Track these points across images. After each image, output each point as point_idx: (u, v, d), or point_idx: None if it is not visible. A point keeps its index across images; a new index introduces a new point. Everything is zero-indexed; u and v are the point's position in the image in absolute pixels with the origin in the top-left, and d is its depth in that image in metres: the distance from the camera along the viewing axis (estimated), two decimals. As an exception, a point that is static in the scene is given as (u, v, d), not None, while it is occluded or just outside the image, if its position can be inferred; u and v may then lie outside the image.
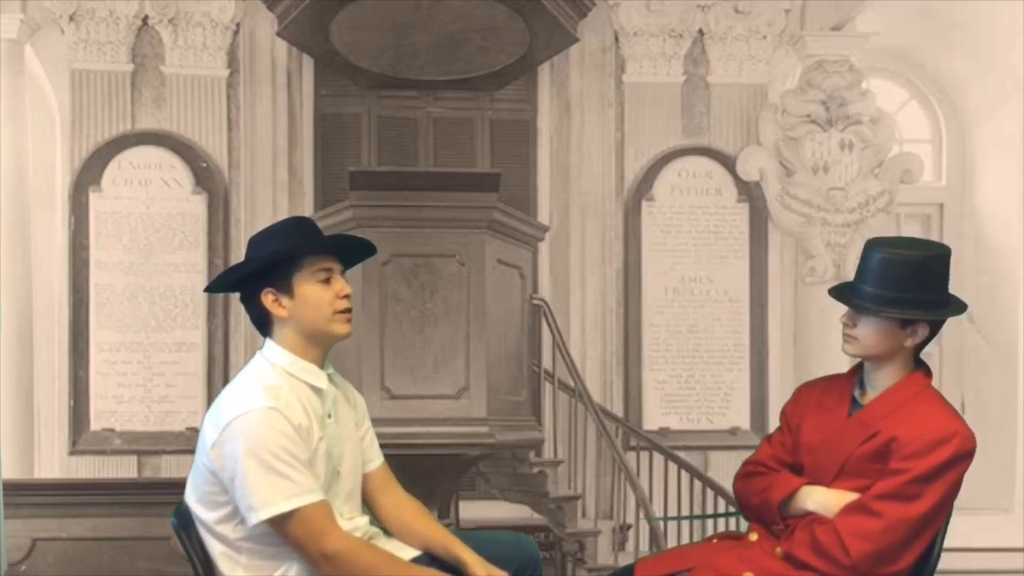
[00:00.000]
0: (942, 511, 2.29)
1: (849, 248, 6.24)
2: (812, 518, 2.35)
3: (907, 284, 2.31)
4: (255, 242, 2.32)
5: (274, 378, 2.22)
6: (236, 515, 2.17)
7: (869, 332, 2.34)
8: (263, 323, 2.30)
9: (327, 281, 2.27)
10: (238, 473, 2.10)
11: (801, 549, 2.31)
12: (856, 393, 2.45)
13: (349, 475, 2.33)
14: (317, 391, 2.27)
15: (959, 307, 2.37)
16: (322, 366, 2.31)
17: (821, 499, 2.37)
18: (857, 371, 2.48)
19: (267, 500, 2.09)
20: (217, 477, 2.16)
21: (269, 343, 2.29)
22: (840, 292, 2.43)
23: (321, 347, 2.31)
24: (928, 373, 2.42)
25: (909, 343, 2.35)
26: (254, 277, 2.26)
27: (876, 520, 2.24)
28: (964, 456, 2.26)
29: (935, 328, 2.37)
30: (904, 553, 2.25)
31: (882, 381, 2.39)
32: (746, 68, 6.41)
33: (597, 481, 5.88)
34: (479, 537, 2.46)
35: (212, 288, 2.38)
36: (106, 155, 6.03)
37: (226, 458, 2.12)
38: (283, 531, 2.13)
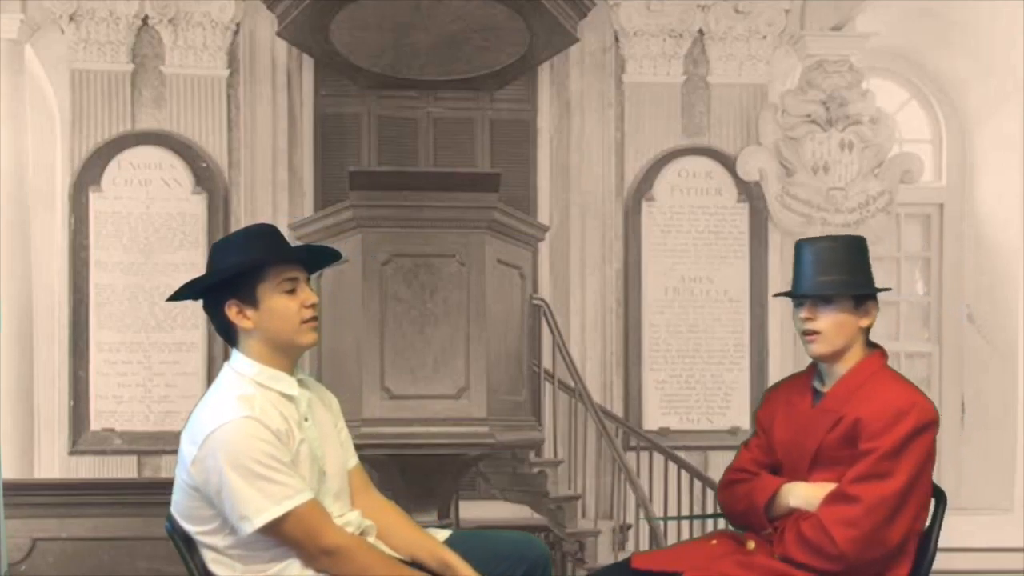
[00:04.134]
0: (918, 484, 2.31)
1: (849, 248, 6.24)
2: (797, 515, 2.37)
3: (846, 266, 2.43)
4: (218, 251, 2.29)
5: (245, 388, 2.20)
6: (224, 527, 2.16)
7: (830, 321, 2.41)
8: (228, 333, 2.27)
9: (292, 291, 2.25)
10: (224, 486, 2.09)
11: (793, 548, 2.33)
12: (816, 384, 2.50)
13: (335, 474, 2.32)
14: (289, 398, 2.25)
15: (882, 286, 2.53)
16: (291, 373, 2.29)
17: (803, 494, 2.39)
18: (816, 364, 2.53)
19: (259, 508, 2.09)
20: (200, 492, 2.15)
21: (236, 354, 2.27)
22: (789, 293, 2.51)
23: (288, 356, 2.29)
24: (884, 354, 2.48)
25: (864, 323, 2.44)
26: (217, 287, 2.24)
27: (856, 505, 2.27)
28: (926, 425, 2.30)
29: (878, 306, 2.49)
30: (889, 532, 2.27)
31: (840, 368, 2.45)
32: (746, 68, 6.42)
33: (597, 481, 5.88)
34: (488, 536, 2.46)
35: (174, 298, 2.31)
36: (106, 155, 6.03)
37: (209, 472, 2.11)
38: (279, 534, 2.12)
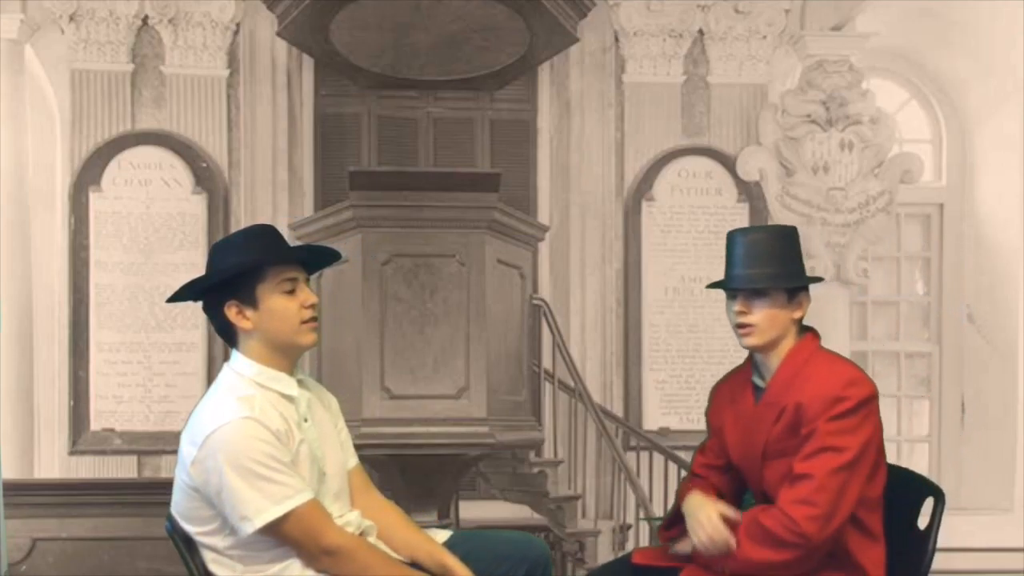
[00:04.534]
0: (866, 455, 2.29)
1: (849, 248, 6.24)
2: (751, 513, 2.35)
3: (779, 258, 2.41)
4: (217, 252, 2.29)
5: (245, 388, 2.20)
6: (224, 527, 2.16)
7: (764, 314, 2.39)
8: (228, 334, 2.27)
9: (292, 291, 2.25)
10: (224, 487, 2.09)
11: (752, 547, 2.28)
12: (756, 380, 2.49)
13: (335, 475, 2.32)
14: (289, 398, 2.25)
15: (815, 276, 2.51)
16: (291, 373, 2.29)
17: (688, 506, 2.42)
18: (753, 358, 2.52)
19: (259, 508, 2.09)
20: (200, 493, 2.15)
21: (236, 355, 2.27)
22: (721, 284, 2.49)
23: (288, 356, 2.29)
24: (816, 335, 2.47)
25: (796, 315, 2.43)
26: (217, 288, 2.24)
27: (808, 481, 2.25)
28: (867, 399, 2.29)
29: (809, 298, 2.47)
30: (840, 506, 2.24)
31: (774, 359, 2.43)
32: (746, 68, 6.42)
33: (597, 481, 5.88)
34: (490, 536, 2.46)
35: (174, 299, 2.30)
36: (106, 155, 6.03)
37: (209, 473, 2.10)
38: (280, 534, 2.12)
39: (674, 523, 2.51)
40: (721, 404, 2.58)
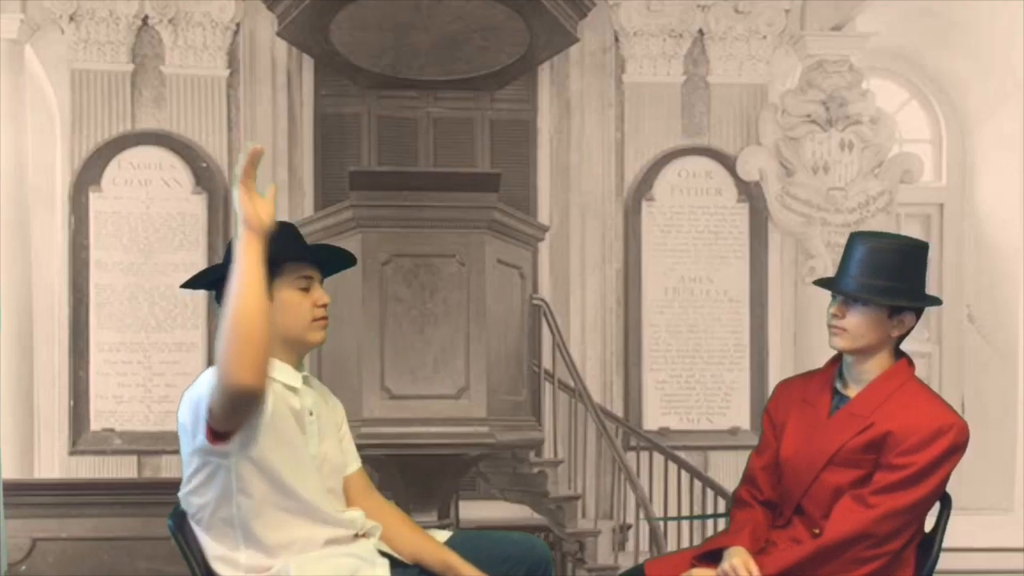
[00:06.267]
0: (934, 498, 2.33)
1: (849, 248, 6.24)
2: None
3: (893, 273, 2.34)
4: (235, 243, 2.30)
5: None
6: (228, 494, 2.12)
7: (858, 322, 2.35)
8: None
9: (306, 289, 2.26)
10: (202, 401, 2.03)
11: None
12: (838, 385, 2.45)
13: (332, 474, 2.32)
14: (292, 390, 2.25)
15: (935, 299, 2.45)
16: (297, 368, 2.29)
17: (734, 561, 2.34)
18: (836, 363, 2.48)
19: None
20: (199, 454, 2.11)
21: None
22: (827, 283, 2.45)
23: (295, 352, 2.29)
24: (911, 363, 2.43)
25: (895, 333, 2.38)
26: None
27: (870, 510, 2.27)
28: (960, 447, 2.29)
29: (917, 318, 2.40)
30: (896, 539, 2.28)
31: (867, 373, 2.39)
32: (746, 68, 6.42)
33: (597, 481, 5.88)
34: (490, 537, 2.45)
35: (189, 285, 2.31)
36: (106, 155, 6.03)
37: (193, 410, 2.07)
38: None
39: (709, 557, 2.44)
40: (790, 401, 2.51)
